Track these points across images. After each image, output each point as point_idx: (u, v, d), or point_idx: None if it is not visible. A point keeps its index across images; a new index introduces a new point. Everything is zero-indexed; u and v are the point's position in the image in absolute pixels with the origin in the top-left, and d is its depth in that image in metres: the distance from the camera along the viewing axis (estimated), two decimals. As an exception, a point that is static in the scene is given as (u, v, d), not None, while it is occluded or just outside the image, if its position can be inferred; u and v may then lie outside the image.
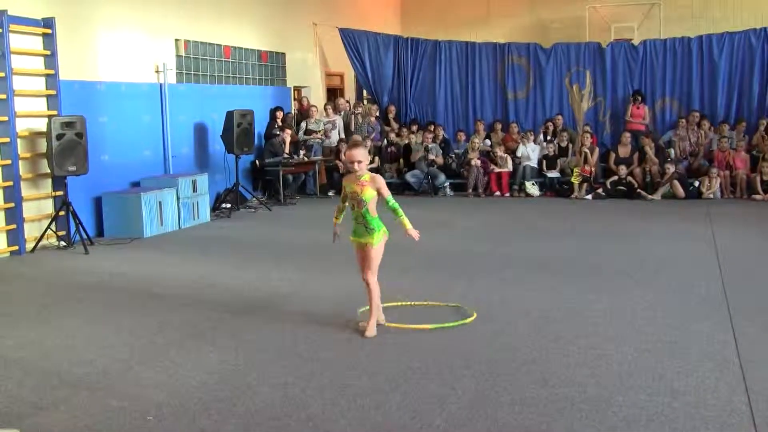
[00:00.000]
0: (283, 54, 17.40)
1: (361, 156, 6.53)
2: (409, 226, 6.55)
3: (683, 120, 17.04)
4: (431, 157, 16.86)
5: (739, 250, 10.31)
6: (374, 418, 4.80)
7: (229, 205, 14.36)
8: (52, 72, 11.07)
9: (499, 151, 16.82)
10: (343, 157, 16.80)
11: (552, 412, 4.81)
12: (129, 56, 12.79)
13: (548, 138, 17.27)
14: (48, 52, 11.05)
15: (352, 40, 18.63)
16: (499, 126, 18.02)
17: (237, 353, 6.10)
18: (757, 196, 15.21)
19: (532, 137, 17.12)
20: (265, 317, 7.20)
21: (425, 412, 4.84)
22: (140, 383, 5.49)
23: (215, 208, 14.33)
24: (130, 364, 5.90)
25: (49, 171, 10.84)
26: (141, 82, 13.05)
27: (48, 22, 11.02)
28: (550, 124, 17.54)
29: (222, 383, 5.43)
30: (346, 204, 6.74)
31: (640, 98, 17.33)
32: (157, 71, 13.40)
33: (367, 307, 6.69)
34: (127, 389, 5.37)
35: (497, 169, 16.63)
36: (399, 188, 16.94)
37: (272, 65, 17.02)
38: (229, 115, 14.27)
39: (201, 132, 14.58)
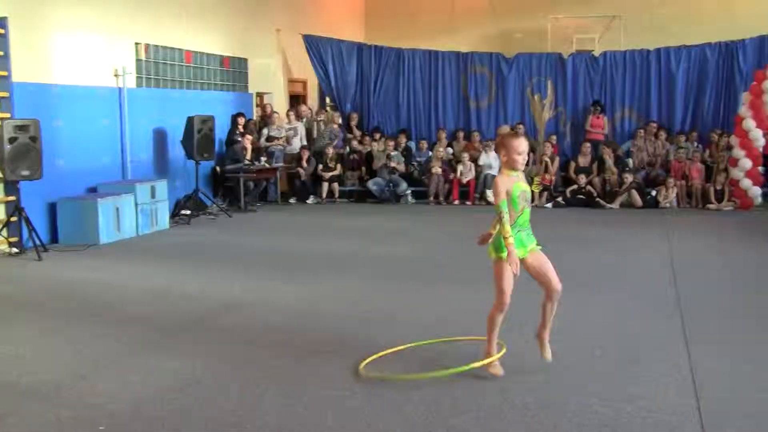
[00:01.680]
0: (246, 60, 17.33)
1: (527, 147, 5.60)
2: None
3: (641, 130, 17.29)
4: (393, 164, 16.87)
5: (693, 257, 10.47)
6: (331, 423, 4.79)
7: (188, 212, 14.22)
8: (5, 74, 10.82)
9: (464, 159, 16.86)
10: (305, 164, 16.79)
11: (508, 418, 4.83)
12: (86, 59, 12.62)
13: (509, 147, 17.29)
14: (0, 53, 10.83)
15: (315, 46, 18.61)
16: (461, 135, 18.08)
17: (194, 363, 6.01)
18: (712, 206, 15.48)
19: (493, 146, 17.15)
20: (225, 326, 7.11)
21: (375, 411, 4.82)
22: (93, 393, 5.39)
23: (174, 214, 14.19)
24: (83, 374, 5.78)
25: (0, 176, 10.67)
26: (99, 86, 12.90)
27: (0, 23, 10.79)
28: (511, 133, 17.62)
29: (178, 393, 5.36)
30: (514, 211, 5.46)
31: (599, 108, 17.54)
32: (116, 75, 13.26)
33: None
34: (79, 399, 5.28)
35: (463, 179, 16.67)
36: (361, 196, 16.97)
37: (234, 71, 16.95)
38: (190, 120, 14.15)
39: (161, 137, 14.46)
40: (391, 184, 16.84)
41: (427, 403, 5.08)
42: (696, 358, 5.95)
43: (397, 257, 10.59)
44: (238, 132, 16.15)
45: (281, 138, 17.30)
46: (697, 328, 6.79)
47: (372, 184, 16.93)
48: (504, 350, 5.71)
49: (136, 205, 12.54)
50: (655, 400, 5.10)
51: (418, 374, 5.59)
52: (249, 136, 16.19)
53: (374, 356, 5.91)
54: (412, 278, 9.19)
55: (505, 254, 5.37)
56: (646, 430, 4.65)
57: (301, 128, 17.70)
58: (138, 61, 13.85)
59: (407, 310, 7.70)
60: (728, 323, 7.06)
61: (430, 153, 17.43)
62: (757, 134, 15.33)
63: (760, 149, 15.40)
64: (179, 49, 14.97)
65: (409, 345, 6.24)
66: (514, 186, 5.40)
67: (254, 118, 17.64)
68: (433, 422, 4.80)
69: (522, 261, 5.43)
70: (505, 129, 6.21)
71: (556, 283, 5.56)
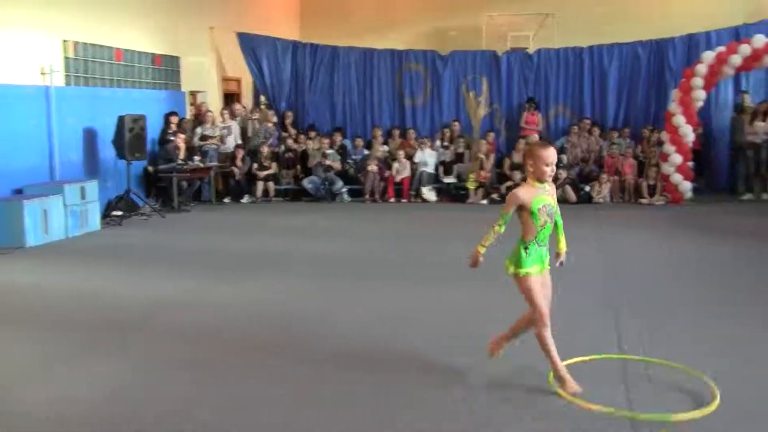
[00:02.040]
0: (178, 58, 17.09)
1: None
2: (564, 249, 5.59)
3: (575, 127, 17.45)
4: (328, 163, 16.79)
5: (625, 251, 10.58)
6: (266, 421, 4.75)
7: (120, 213, 13.96)
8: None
9: (400, 157, 16.84)
10: (239, 163, 16.63)
11: (444, 414, 4.86)
12: (11, 56, 12.29)
13: (445, 144, 17.39)
14: None
15: (249, 44, 18.46)
16: (396, 132, 18.06)
17: (127, 368, 5.88)
18: (644, 200, 15.75)
19: (429, 143, 17.21)
20: (158, 330, 6.97)
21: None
22: (23, 402, 5.25)
23: (105, 215, 13.93)
24: (11, 383, 5.62)
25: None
26: (25, 84, 12.59)
27: None
28: (447, 130, 17.69)
29: (111, 399, 5.24)
30: (534, 225, 5.27)
31: (534, 105, 17.67)
32: (43, 73, 12.96)
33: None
34: (8, 408, 5.12)
35: (398, 177, 16.65)
36: (296, 194, 16.86)
37: (166, 69, 16.71)
38: (121, 119, 13.88)
39: (91, 137, 14.17)
40: (326, 183, 16.75)
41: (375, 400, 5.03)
42: (627, 349, 6.06)
43: (333, 255, 10.53)
44: (170, 131, 15.92)
45: (215, 137, 17.09)
46: (628, 320, 6.91)
47: (307, 183, 16.82)
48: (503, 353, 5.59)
49: (65, 206, 12.26)
50: (587, 392, 5.14)
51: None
52: (182, 135, 15.97)
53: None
54: (349, 276, 9.16)
55: (525, 270, 5.25)
56: (578, 420, 4.71)
57: (235, 127, 17.52)
58: (66, 59, 13.54)
59: (344, 308, 7.67)
60: (660, 316, 7.15)
61: (366, 151, 17.40)
62: (686, 130, 15.56)
63: (690, 145, 15.63)
64: (109, 47, 14.69)
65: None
66: (535, 199, 5.20)
67: (187, 116, 17.41)
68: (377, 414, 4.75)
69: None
70: (535, 138, 5.88)
71: (546, 310, 5.32)
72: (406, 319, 7.18)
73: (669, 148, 15.67)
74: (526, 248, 5.27)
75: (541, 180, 5.24)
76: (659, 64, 17.77)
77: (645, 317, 7.08)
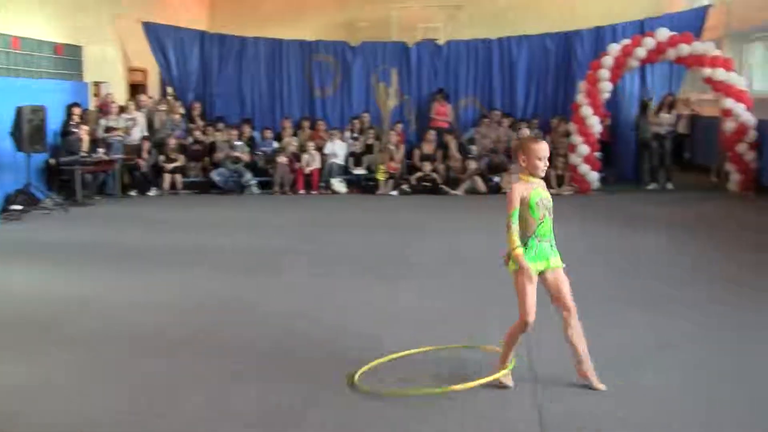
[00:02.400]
0: (80, 47, 16.61)
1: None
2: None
3: (485, 118, 17.53)
4: (237, 154, 16.56)
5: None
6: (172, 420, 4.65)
7: (20, 207, 13.51)
8: None
9: (310, 148, 16.71)
10: (145, 155, 16.28)
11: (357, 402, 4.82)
12: None
13: (355, 135, 17.33)
14: None
15: (155, 34, 18.10)
16: (306, 124, 17.91)
17: (31, 367, 5.69)
18: (552, 190, 15.54)
19: (339, 135, 17.12)
20: (62, 328, 6.71)
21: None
22: None
23: (4, 210, 13.47)
24: None
25: None
26: None
27: None
28: (356, 121, 17.64)
29: (10, 399, 5.06)
30: (533, 220, 5.19)
31: (444, 97, 17.71)
32: (-66, 62, 12.48)
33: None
34: None
35: (307, 169, 16.52)
36: (204, 187, 16.58)
37: (68, 58, 16.22)
38: (19, 110, 13.42)
39: (-13, 129, 13.69)
40: (235, 175, 16.52)
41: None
42: (533, 337, 6.02)
43: (244, 248, 10.41)
44: (73, 123, 15.47)
45: (120, 129, 16.69)
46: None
47: (216, 175, 16.57)
48: (514, 362, 5.40)
49: (-41, 200, 11.83)
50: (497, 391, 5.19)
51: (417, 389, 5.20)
52: (85, 127, 15.53)
53: (370, 364, 5.52)
54: (259, 268, 9.08)
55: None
56: (489, 402, 4.85)
57: (141, 118, 17.14)
58: (-41, 47, 13.06)
59: (256, 300, 7.60)
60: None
61: (275, 143, 17.22)
62: (593, 121, 15.83)
63: (597, 135, 15.89)
64: (5, 35, 14.17)
65: (416, 351, 5.90)
66: (532, 193, 5.16)
67: (91, 108, 16.96)
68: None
69: (541, 275, 5.20)
70: (526, 132, 5.68)
71: (570, 301, 5.23)
72: (318, 311, 7.15)
73: (576, 138, 15.92)
74: (525, 244, 5.16)
75: (534, 174, 5.21)
76: (567, 56, 18.01)
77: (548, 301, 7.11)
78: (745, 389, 5.16)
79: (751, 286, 8.01)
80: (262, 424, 4.67)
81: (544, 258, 5.18)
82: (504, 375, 5.24)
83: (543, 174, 5.22)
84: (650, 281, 8.30)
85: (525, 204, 5.13)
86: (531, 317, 5.10)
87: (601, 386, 5.16)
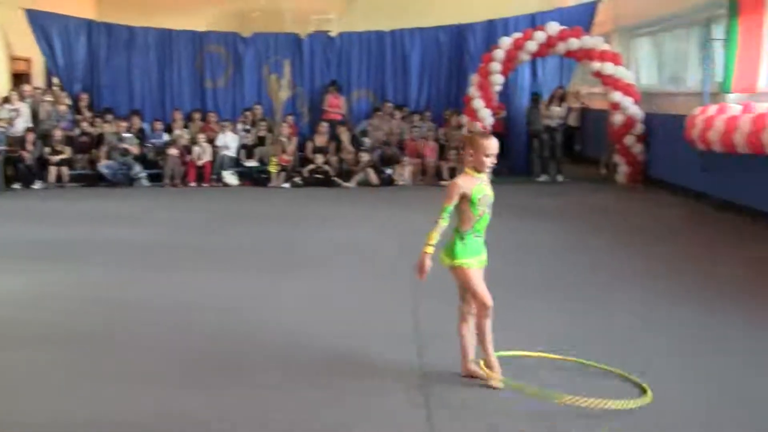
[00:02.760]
0: (-43, 35, 16.02)
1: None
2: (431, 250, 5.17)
3: (377, 110, 17.59)
4: (126, 146, 16.21)
5: (423, 233, 10.67)
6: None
7: None
8: None
9: (201, 141, 16.48)
10: (30, 147, 15.81)
11: (240, 401, 4.82)
12: None
13: (247, 128, 17.17)
14: None
15: (39, 22, 17.55)
16: (197, 115, 17.66)
17: None
18: (444, 182, 15.94)
19: (230, 127, 16.94)
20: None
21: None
22: None
23: None
24: None
25: None
26: None
27: None
28: (249, 113, 17.47)
29: None
30: (473, 215, 5.17)
31: (337, 89, 17.69)
32: None
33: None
34: None
35: (198, 161, 16.28)
36: (92, 180, 16.18)
37: (-56, 47, 15.61)
38: None
39: None
40: (124, 167, 16.17)
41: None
42: (423, 328, 6.27)
43: (133, 242, 10.19)
44: (-51, 113, 14.91)
45: (2, 120, 16.14)
46: (424, 300, 7.03)
47: (104, 167, 16.17)
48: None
49: None
50: (384, 371, 5.28)
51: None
52: (-38, 118, 14.99)
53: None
54: (147, 263, 8.92)
55: (460, 260, 5.10)
56: (380, 390, 4.89)
57: (25, 109, 16.60)
58: None
59: (143, 294, 7.49)
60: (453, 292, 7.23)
61: (165, 134, 16.92)
62: (485, 113, 16.03)
63: (489, 128, 16.08)
64: None
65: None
66: (475, 188, 5.11)
67: (-31, 98, 16.38)
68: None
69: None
70: (477, 126, 5.44)
71: (489, 299, 5.12)
72: (206, 303, 7.11)
73: (469, 131, 16.08)
74: (462, 238, 5.14)
75: (479, 170, 5.16)
76: (460, 48, 18.18)
77: (441, 297, 7.12)
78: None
79: (642, 275, 8.29)
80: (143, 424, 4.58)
81: (478, 253, 5.19)
82: (493, 377, 5.09)
83: (488, 170, 5.18)
84: (542, 271, 8.48)
85: (466, 199, 5.11)
86: (490, 301, 5.08)
87: (491, 375, 5.11)
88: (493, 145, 5.13)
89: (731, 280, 8.02)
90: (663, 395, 4.88)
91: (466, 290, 5.19)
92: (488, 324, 5.14)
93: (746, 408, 4.82)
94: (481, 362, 5.21)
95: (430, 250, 5.05)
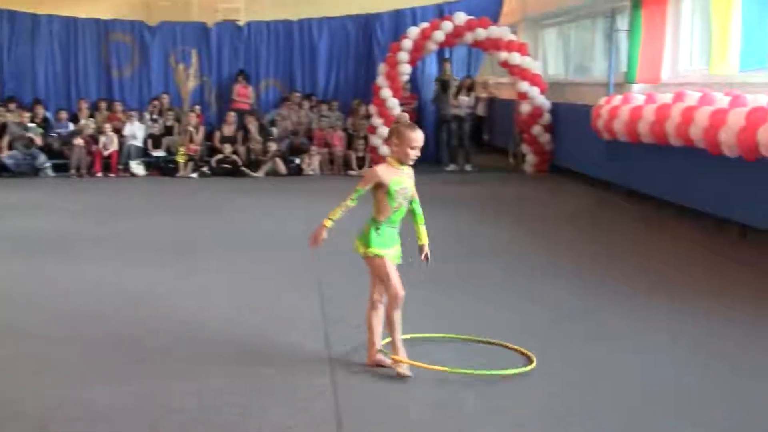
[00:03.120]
0: None
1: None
2: (425, 240, 5.37)
3: (286, 100, 17.67)
4: (30, 136, 15.95)
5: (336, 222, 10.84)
6: None
7: None
8: None
9: (107, 130, 16.30)
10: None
11: (144, 390, 4.84)
12: None
13: (154, 117, 17.06)
14: None
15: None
16: (103, 105, 17.47)
17: None
18: (353, 172, 16.22)
19: (137, 116, 16.81)
20: None
21: None
22: None
23: None
24: None
25: None
26: None
27: None
28: (156, 102, 17.36)
29: None
30: (389, 206, 5.14)
31: (245, 78, 17.68)
32: None
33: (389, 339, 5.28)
34: None
35: (105, 151, 16.11)
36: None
37: None
38: None
39: None
40: (28, 157, 15.90)
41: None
42: (328, 315, 6.35)
43: (34, 232, 10.04)
44: None
45: None
46: (328, 289, 7.20)
47: (7, 158, 15.84)
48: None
49: None
50: (292, 358, 5.36)
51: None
52: None
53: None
54: (50, 254, 8.79)
55: (374, 250, 5.08)
56: (290, 375, 4.98)
57: None
58: None
59: (47, 285, 7.43)
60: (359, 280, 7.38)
61: (71, 124, 16.70)
62: (393, 103, 16.22)
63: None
64: None
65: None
66: (394, 179, 5.07)
67: None
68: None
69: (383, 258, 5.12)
70: (405, 117, 5.39)
71: (401, 289, 5.10)
72: (108, 295, 7.07)
73: (377, 120, 16.26)
74: (377, 228, 5.14)
75: (402, 162, 5.13)
76: (368, 38, 18.34)
77: (348, 285, 7.17)
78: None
79: (546, 260, 8.65)
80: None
81: (392, 245, 5.18)
82: (399, 364, 5.11)
83: (411, 162, 5.15)
84: (449, 259, 8.60)
85: (384, 189, 5.08)
86: (402, 291, 5.08)
87: (395, 364, 5.12)
88: (419, 137, 5.09)
89: (622, 261, 8.53)
90: (546, 362, 5.24)
91: (379, 279, 5.19)
92: (398, 314, 5.15)
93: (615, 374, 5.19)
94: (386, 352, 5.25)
95: (328, 223, 5.10)
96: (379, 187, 5.09)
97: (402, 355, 5.13)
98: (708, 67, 11.13)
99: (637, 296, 7.09)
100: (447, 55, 17.98)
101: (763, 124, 8.61)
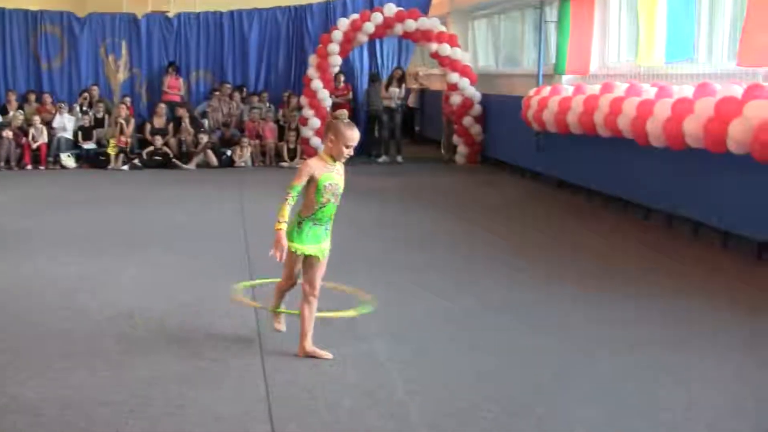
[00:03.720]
0: None
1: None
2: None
3: (216, 91, 17.69)
4: (-43, 129, 15.73)
5: (263, 213, 10.88)
6: None
7: None
8: None
9: (36, 122, 16.13)
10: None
11: (76, 383, 4.85)
12: None
13: (84, 109, 16.93)
14: None
15: None
16: (32, 97, 17.28)
17: None
18: (284, 163, 16.39)
19: (67, 108, 16.66)
20: None
21: None
22: None
23: None
24: None
25: None
26: None
27: None
28: (86, 94, 17.24)
29: None
30: (315, 201, 5.15)
31: (175, 70, 17.64)
32: None
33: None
34: None
35: (34, 143, 15.94)
36: None
37: None
38: None
39: None
40: (-46, 150, 15.68)
41: None
42: (261, 298, 6.30)
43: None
44: None
45: None
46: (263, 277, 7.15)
47: (-67, 152, 15.65)
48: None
49: None
50: (225, 352, 5.42)
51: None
52: None
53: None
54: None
55: (294, 246, 5.11)
56: (220, 369, 5.05)
57: None
58: None
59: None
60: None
61: (0, 117, 16.48)
62: (324, 94, 16.36)
63: (328, 109, 16.37)
64: None
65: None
66: (324, 174, 5.06)
67: None
68: None
69: (308, 257, 5.18)
70: (344, 114, 5.27)
71: (318, 283, 5.24)
72: (38, 288, 7.08)
73: (308, 112, 16.38)
74: (299, 224, 5.15)
75: (335, 158, 5.13)
76: (298, 29, 18.39)
77: (279, 276, 7.25)
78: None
79: (470, 249, 8.91)
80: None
81: (316, 242, 5.17)
82: (278, 320, 5.59)
83: (344, 160, 5.17)
84: (381, 249, 8.86)
85: (313, 184, 5.06)
86: (291, 282, 5.37)
87: (328, 355, 5.23)
88: (355, 136, 5.10)
89: (549, 251, 8.86)
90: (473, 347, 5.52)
91: (310, 278, 5.23)
92: (286, 293, 5.50)
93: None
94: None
95: (282, 226, 5.05)
96: (310, 182, 5.09)
97: (281, 326, 5.58)
98: (635, 58, 11.39)
99: (562, 284, 7.33)
100: (378, 50, 18.17)
101: (689, 115, 8.84)
